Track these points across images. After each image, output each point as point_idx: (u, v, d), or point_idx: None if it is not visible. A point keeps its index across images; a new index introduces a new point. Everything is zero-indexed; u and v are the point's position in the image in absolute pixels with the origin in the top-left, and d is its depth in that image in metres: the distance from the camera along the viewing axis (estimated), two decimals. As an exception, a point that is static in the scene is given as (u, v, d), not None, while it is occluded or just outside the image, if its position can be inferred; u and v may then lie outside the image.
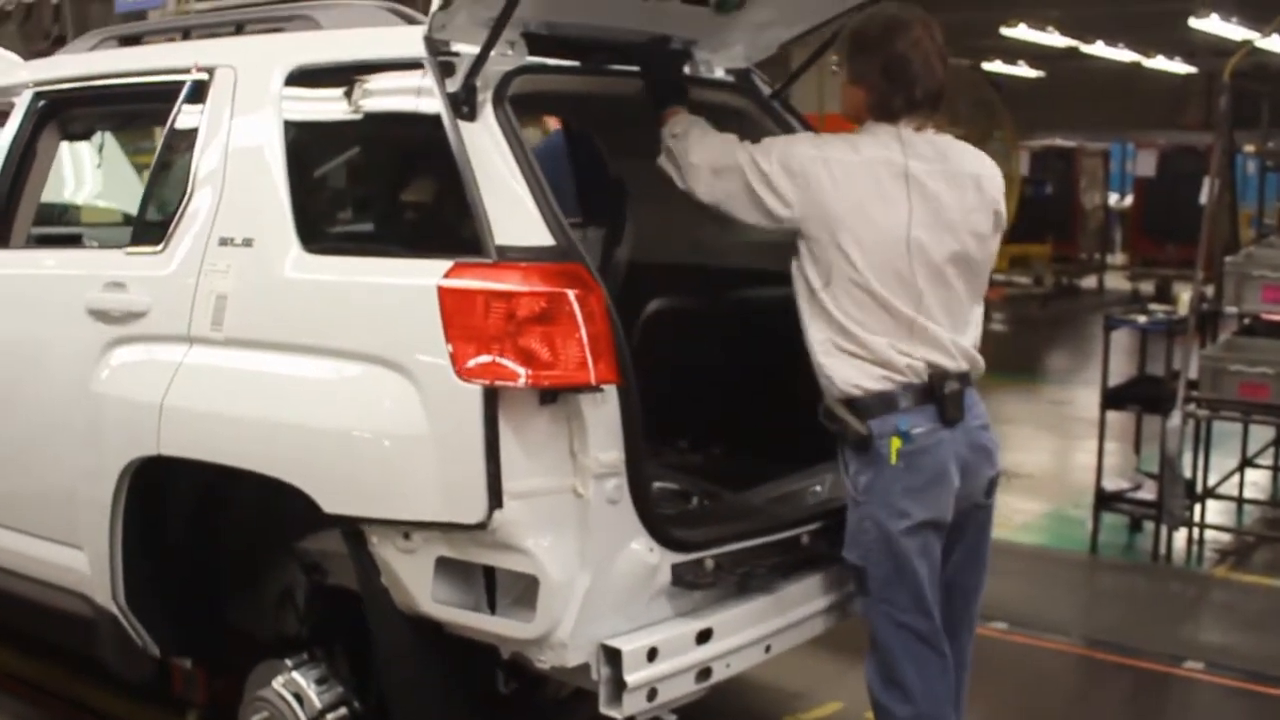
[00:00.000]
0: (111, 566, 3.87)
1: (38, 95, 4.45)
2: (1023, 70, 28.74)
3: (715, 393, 4.65)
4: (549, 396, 3.19)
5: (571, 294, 3.20)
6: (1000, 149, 7.85)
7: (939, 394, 3.50)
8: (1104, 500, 7.28)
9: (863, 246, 3.46)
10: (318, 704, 3.65)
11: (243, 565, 4.00)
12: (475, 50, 3.40)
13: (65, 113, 4.52)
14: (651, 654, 3.29)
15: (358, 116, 3.68)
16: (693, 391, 4.69)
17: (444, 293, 3.22)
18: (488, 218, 3.26)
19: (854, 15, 4.15)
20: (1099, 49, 24.04)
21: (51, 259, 4.51)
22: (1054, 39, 22.77)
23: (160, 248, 3.83)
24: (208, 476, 3.71)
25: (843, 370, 3.49)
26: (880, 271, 3.46)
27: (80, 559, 3.97)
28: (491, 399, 3.14)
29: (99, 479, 3.83)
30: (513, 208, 3.30)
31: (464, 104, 3.38)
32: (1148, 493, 7.20)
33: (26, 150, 4.44)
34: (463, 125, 3.37)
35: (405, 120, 3.59)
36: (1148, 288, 19.90)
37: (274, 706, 3.69)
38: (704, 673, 3.44)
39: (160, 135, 4.05)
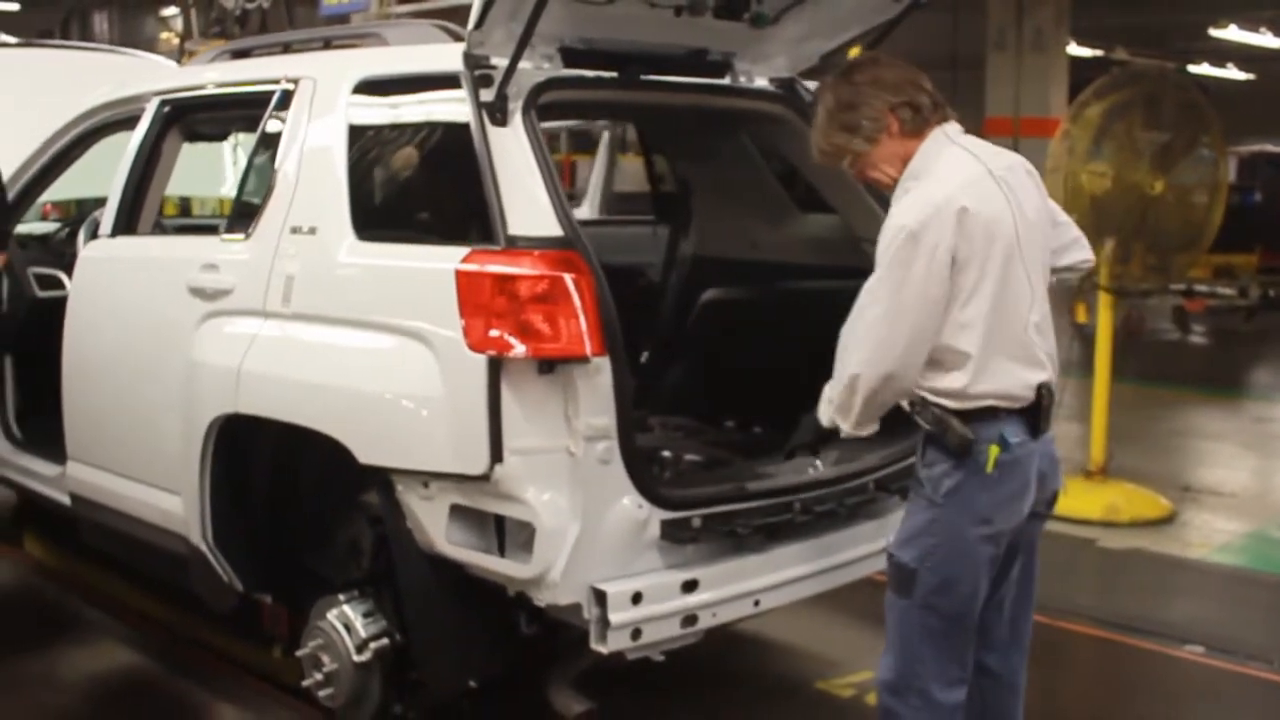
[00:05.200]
0: (201, 510, 4.45)
1: (163, 102, 5.10)
2: (1231, 73, 28.05)
3: (761, 376, 5.05)
4: (546, 367, 3.65)
5: (568, 277, 3.66)
6: (1208, 155, 7.82)
7: (1037, 407, 3.43)
8: (1310, 522, 6.89)
9: (1001, 262, 3.34)
10: (362, 634, 4.14)
11: (317, 515, 4.53)
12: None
13: (185, 117, 5.16)
14: (636, 597, 3.71)
15: (407, 121, 4.22)
16: (742, 374, 5.11)
17: (460, 275, 3.71)
18: (504, 211, 3.73)
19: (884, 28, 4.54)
20: (1316, 50, 23.38)
21: (167, 244, 5.17)
22: (1266, 40, 22.18)
23: (246, 235, 4.42)
24: (280, 432, 4.26)
25: (956, 403, 3.38)
26: (1011, 283, 3.37)
27: (178, 503, 4.56)
28: (495, 368, 3.62)
29: (192, 433, 4.42)
30: (528, 202, 3.77)
31: (497, 111, 3.86)
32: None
33: (153, 150, 5.09)
34: (493, 130, 3.84)
35: (445, 125, 4.09)
36: (1362, 302, 19.15)
37: (327, 635, 4.20)
38: (689, 619, 3.84)
39: (255, 137, 4.64)
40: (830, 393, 3.48)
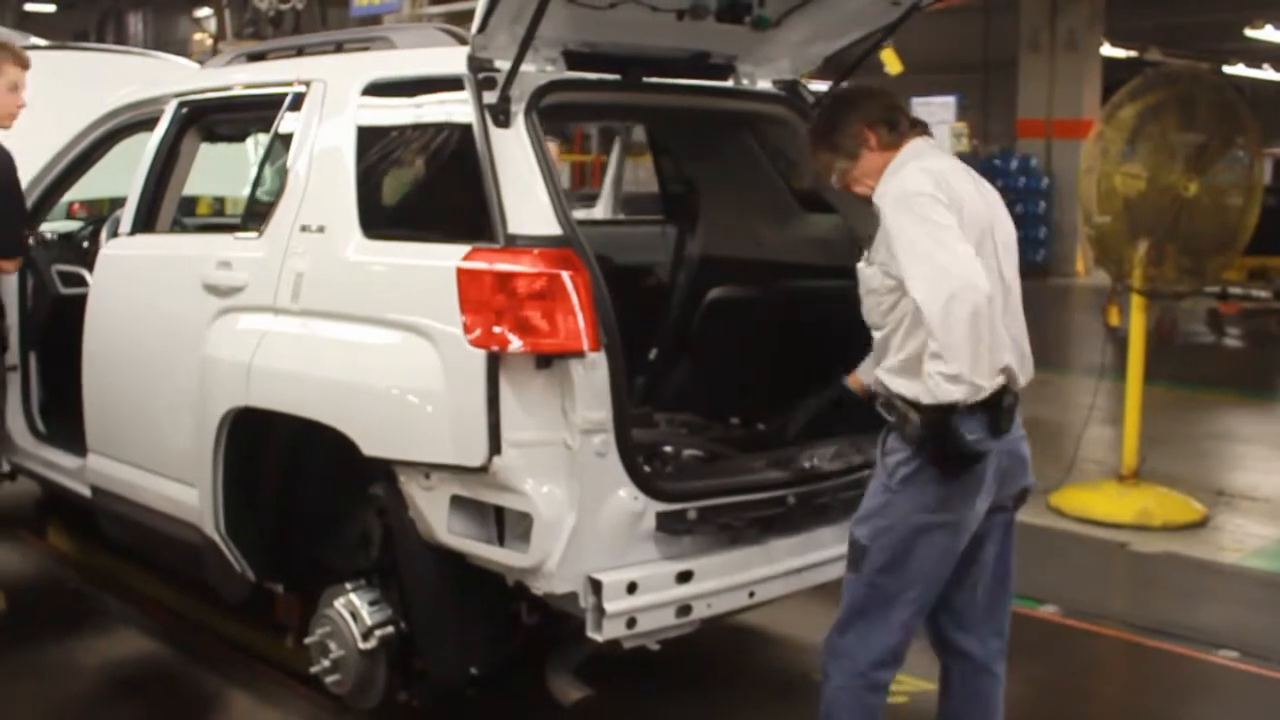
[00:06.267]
0: (214, 501, 4.58)
1: (181, 104, 5.23)
2: (1267, 74, 27.92)
3: (766, 373, 5.13)
4: (544, 362, 3.75)
5: (566, 275, 3.76)
6: (1243, 156, 7.74)
7: (998, 406, 3.51)
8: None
9: (975, 240, 3.50)
10: (368, 621, 4.25)
11: (326, 506, 4.64)
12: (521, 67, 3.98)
13: (203, 118, 5.29)
14: (631, 587, 3.81)
15: (414, 122, 4.34)
16: (747, 372, 5.19)
17: (460, 272, 3.82)
18: (504, 210, 3.84)
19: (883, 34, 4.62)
20: (1352, 51, 23.28)
21: (183, 242, 5.30)
22: (1304, 40, 22.07)
23: (259, 233, 4.54)
24: (290, 425, 4.36)
25: (916, 391, 3.47)
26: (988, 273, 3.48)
27: (192, 494, 4.68)
28: (494, 362, 3.72)
29: (206, 426, 4.54)
30: (528, 202, 3.87)
31: (500, 113, 3.96)
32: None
33: (171, 151, 5.23)
34: (495, 131, 3.95)
35: (449, 126, 4.19)
36: (1399, 305, 18.94)
37: (334, 622, 4.32)
38: (684, 609, 3.93)
39: (268, 138, 4.76)
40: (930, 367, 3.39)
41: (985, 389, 3.37)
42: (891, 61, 12.36)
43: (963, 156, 16.68)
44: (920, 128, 3.77)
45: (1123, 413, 7.78)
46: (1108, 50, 23.48)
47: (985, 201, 3.65)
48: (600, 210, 6.93)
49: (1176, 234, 7.48)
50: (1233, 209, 7.57)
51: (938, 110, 16.68)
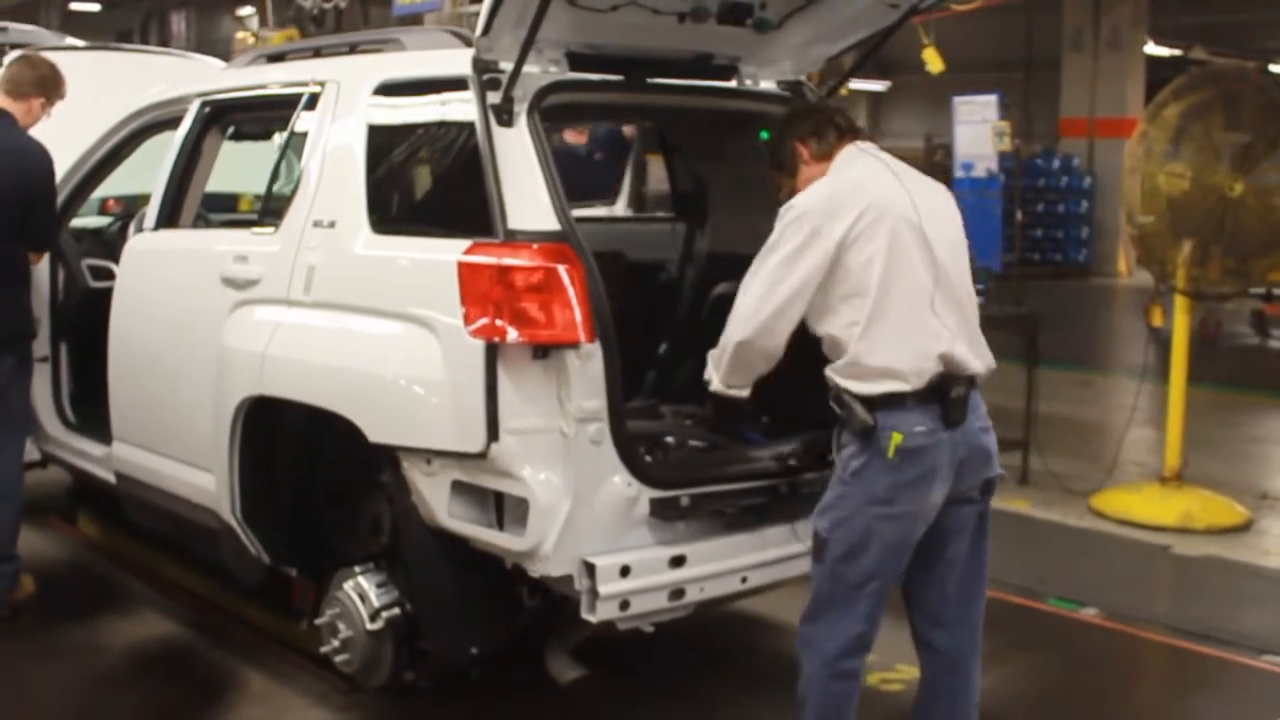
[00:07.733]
0: (230, 486, 4.75)
1: (204, 103, 5.41)
2: (1313, 73, 27.64)
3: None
4: (541, 352, 3.90)
5: (562, 269, 3.89)
6: None
7: (945, 397, 3.70)
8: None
9: (888, 239, 3.69)
10: (375, 603, 4.40)
11: (337, 492, 4.79)
12: (525, 69, 4.12)
13: (224, 117, 5.47)
14: (625, 570, 3.94)
15: (421, 121, 4.49)
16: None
17: (461, 266, 3.96)
18: (505, 206, 3.98)
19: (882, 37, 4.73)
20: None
21: (203, 236, 5.48)
22: (1352, 37, 21.89)
23: (274, 228, 4.70)
24: (303, 413, 4.52)
25: (858, 386, 3.71)
26: (901, 262, 3.69)
27: (210, 480, 4.85)
28: (492, 352, 3.87)
29: (222, 414, 4.70)
30: (528, 199, 4.01)
31: (503, 113, 4.10)
32: None
33: (194, 148, 5.41)
34: (499, 130, 4.08)
35: (455, 125, 4.34)
36: None
37: (343, 604, 4.46)
38: (677, 593, 4.07)
39: (286, 136, 4.93)
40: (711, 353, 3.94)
41: (730, 391, 3.94)
42: (933, 60, 12.42)
43: (1004, 156, 16.73)
44: (851, 134, 3.97)
45: (1165, 414, 7.72)
46: (1151, 49, 23.39)
47: (914, 200, 3.79)
48: (620, 207, 7.09)
49: (1221, 234, 7.39)
50: (1278, 209, 7.45)
51: (979, 109, 16.64)
